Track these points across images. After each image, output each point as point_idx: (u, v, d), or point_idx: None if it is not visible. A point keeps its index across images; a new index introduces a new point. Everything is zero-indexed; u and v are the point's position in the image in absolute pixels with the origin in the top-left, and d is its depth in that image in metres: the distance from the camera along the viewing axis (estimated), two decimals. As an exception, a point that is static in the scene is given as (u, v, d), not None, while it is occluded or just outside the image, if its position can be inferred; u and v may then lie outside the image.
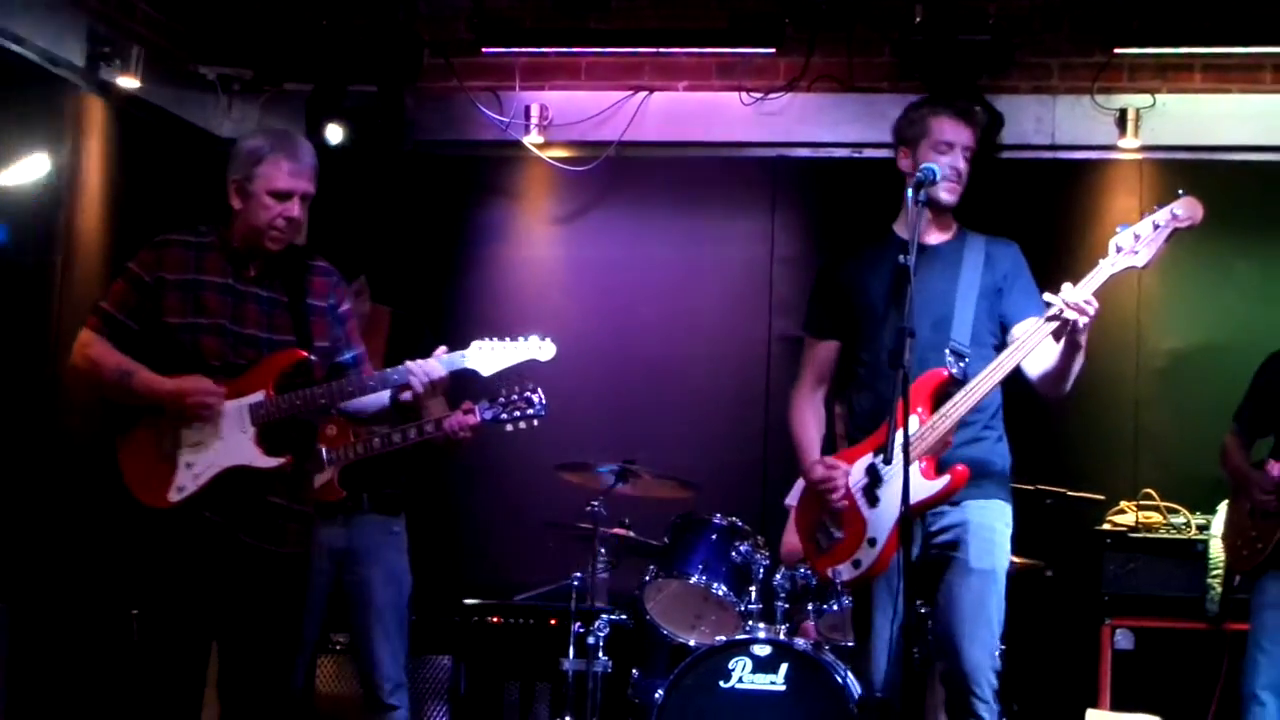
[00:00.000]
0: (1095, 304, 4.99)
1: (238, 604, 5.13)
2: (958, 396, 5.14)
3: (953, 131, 5.35)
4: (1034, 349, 5.13)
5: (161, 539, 5.09)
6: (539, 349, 5.54)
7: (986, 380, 5.15)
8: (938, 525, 5.24)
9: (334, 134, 8.21)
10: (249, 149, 5.20)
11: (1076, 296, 4.97)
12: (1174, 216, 5.01)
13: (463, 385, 5.66)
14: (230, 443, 5.11)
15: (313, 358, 5.25)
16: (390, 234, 8.41)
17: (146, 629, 5.14)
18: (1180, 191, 5.06)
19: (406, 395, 5.38)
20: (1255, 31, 7.89)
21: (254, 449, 5.13)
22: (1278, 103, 8.13)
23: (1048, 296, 5.06)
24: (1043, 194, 8.28)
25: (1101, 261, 5.05)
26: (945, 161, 5.29)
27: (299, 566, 5.35)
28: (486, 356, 5.47)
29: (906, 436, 4.80)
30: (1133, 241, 5.03)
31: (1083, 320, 4.99)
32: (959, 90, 7.52)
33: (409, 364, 5.34)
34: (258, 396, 5.14)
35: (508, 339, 5.51)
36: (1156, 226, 5.02)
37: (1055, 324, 5.04)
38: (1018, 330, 5.30)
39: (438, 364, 5.36)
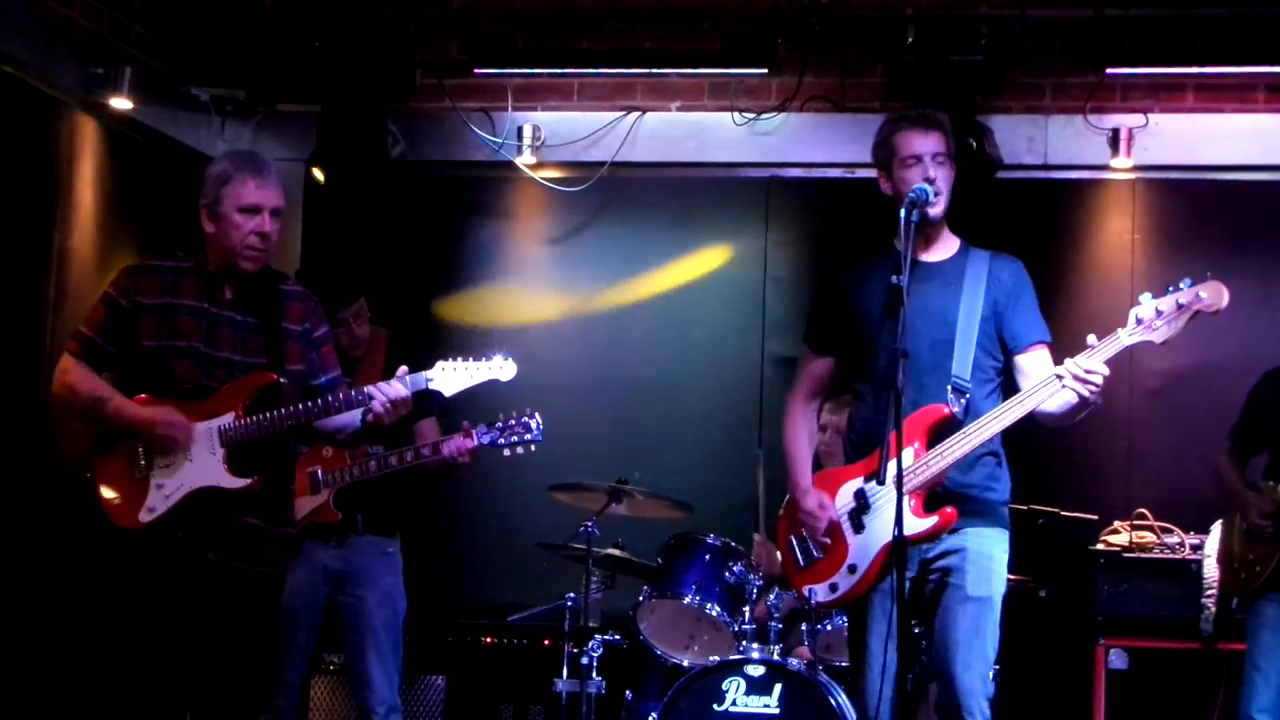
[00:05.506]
0: (1104, 372, 4.95)
1: (209, 622, 5.15)
2: (956, 438, 5.09)
3: (917, 143, 5.25)
4: (1042, 402, 5.07)
5: (133, 559, 5.15)
6: (500, 369, 5.51)
7: (987, 428, 5.09)
8: (935, 551, 5.19)
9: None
10: (216, 173, 5.27)
11: (1081, 369, 4.93)
12: (1199, 299, 4.91)
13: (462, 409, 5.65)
14: (199, 464, 5.15)
15: (283, 380, 5.27)
16: (383, 254, 8.42)
17: (119, 648, 5.17)
18: (1208, 274, 4.97)
19: (370, 416, 5.36)
20: (1247, 51, 7.91)
21: (221, 470, 5.16)
22: (1270, 122, 8.13)
23: (1058, 369, 4.99)
24: (1035, 214, 8.27)
25: (1119, 331, 4.99)
26: (916, 175, 5.20)
27: (274, 584, 5.38)
28: (449, 377, 5.45)
29: (900, 464, 4.79)
30: (1153, 316, 4.94)
31: (1086, 391, 4.95)
32: (951, 111, 7.50)
33: (370, 386, 5.33)
34: (227, 419, 5.18)
35: (470, 359, 5.48)
36: (1180, 306, 4.92)
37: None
38: (1025, 365, 5.25)
39: (400, 385, 5.33)
